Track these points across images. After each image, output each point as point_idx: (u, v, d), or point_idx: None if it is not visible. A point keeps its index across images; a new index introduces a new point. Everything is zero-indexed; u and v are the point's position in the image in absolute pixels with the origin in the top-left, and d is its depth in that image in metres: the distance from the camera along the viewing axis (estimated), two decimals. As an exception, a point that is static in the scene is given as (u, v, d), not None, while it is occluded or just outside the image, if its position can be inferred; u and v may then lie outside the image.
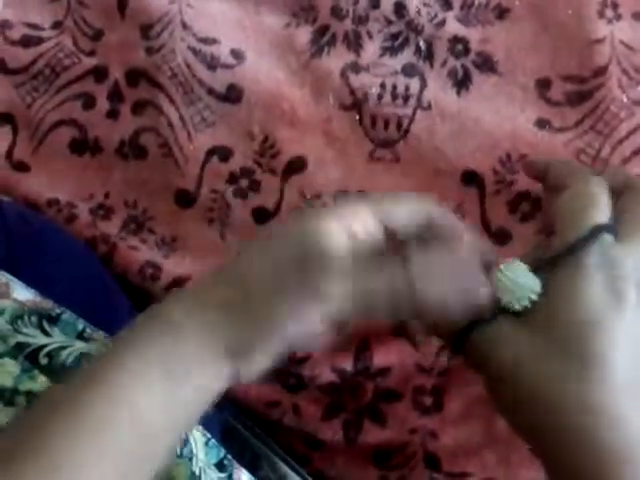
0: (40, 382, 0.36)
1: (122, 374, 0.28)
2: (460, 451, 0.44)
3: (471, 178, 0.45)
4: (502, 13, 0.47)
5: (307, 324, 0.28)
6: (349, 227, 0.29)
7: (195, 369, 0.28)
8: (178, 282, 0.45)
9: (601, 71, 0.45)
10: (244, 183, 0.46)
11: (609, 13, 0.46)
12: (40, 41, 0.48)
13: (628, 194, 0.32)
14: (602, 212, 0.31)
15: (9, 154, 0.47)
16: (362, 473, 0.45)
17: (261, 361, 0.29)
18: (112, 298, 0.44)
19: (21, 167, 0.47)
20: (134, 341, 0.29)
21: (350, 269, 0.28)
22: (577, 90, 0.45)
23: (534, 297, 0.30)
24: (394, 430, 0.44)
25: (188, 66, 0.47)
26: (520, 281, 0.30)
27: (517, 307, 0.30)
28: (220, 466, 0.38)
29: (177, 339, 0.28)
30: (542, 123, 0.45)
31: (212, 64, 0.47)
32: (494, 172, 0.45)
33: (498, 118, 0.45)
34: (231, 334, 0.28)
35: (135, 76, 0.47)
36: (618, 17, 0.46)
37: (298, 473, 0.44)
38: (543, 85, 0.46)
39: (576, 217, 0.31)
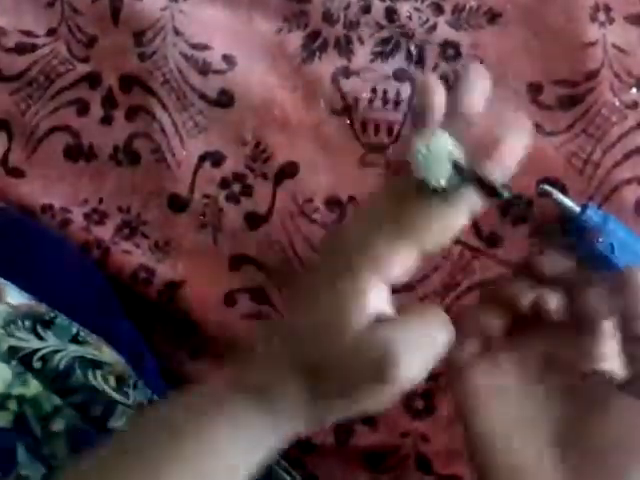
0: (32, 387, 0.37)
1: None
2: (451, 454, 0.43)
3: (462, 182, 0.45)
4: (493, 17, 0.46)
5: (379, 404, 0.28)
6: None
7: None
8: (171, 286, 0.45)
9: (593, 75, 0.44)
10: (236, 188, 0.46)
11: (601, 16, 0.45)
12: (34, 48, 0.48)
13: None
14: None
15: (4, 160, 0.47)
16: (354, 476, 0.45)
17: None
18: (105, 302, 0.44)
19: (16, 173, 0.47)
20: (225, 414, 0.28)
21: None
22: (569, 94, 0.45)
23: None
24: (385, 433, 0.44)
25: (180, 72, 0.46)
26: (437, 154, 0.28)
27: (435, 184, 0.28)
28: None
29: (272, 414, 0.28)
30: (534, 127, 0.45)
31: (204, 69, 0.46)
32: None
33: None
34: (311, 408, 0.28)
35: (128, 82, 0.47)
36: (610, 20, 0.45)
37: (291, 475, 0.44)
38: (534, 89, 0.45)
39: None
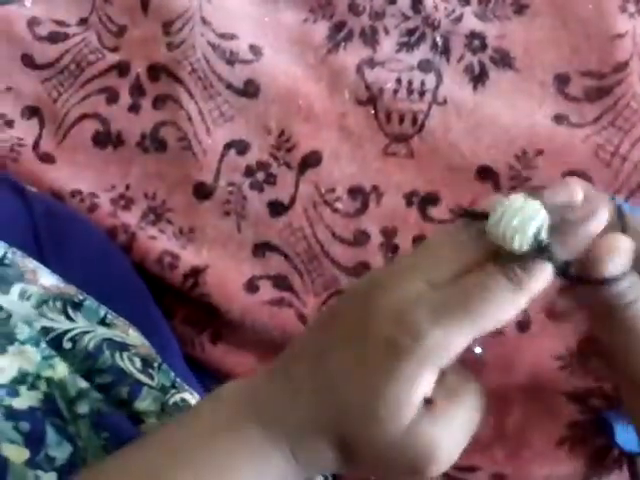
0: (59, 370, 0.37)
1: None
2: (469, 445, 0.43)
3: (486, 174, 0.44)
4: (521, 8, 0.46)
5: None
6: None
7: None
8: (195, 271, 0.45)
9: (621, 67, 0.44)
10: (260, 176, 0.46)
11: (631, 7, 0.44)
12: (66, 37, 0.49)
13: None
14: None
15: (35, 146, 0.48)
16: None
17: None
18: (132, 286, 0.45)
19: (47, 159, 0.48)
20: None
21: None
22: (596, 86, 0.44)
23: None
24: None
25: (207, 61, 0.47)
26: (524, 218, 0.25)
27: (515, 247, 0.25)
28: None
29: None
30: (560, 119, 0.44)
31: (231, 59, 0.47)
32: (510, 168, 0.44)
33: (515, 114, 0.44)
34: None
35: (156, 71, 0.47)
36: (640, 12, 0.45)
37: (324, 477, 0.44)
38: (561, 81, 0.45)
39: None
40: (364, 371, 0.26)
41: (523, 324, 0.41)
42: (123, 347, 0.39)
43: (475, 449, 0.43)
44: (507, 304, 0.26)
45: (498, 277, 0.26)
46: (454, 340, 0.25)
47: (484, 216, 0.26)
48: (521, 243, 0.26)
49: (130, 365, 0.38)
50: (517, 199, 0.26)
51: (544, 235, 0.26)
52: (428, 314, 0.26)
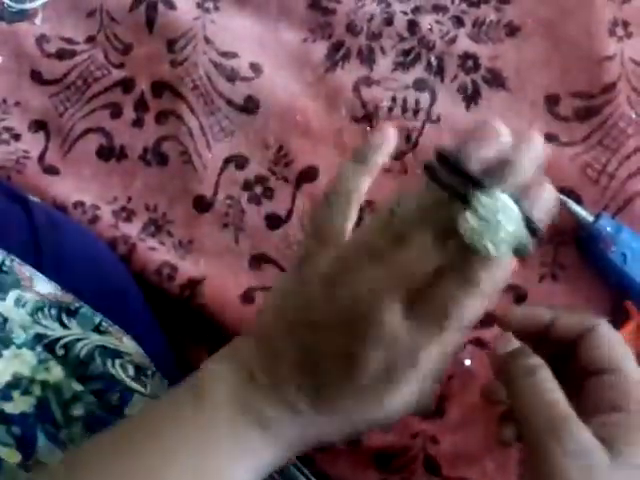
0: (55, 373, 0.37)
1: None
2: (460, 457, 0.43)
3: (477, 190, 0.45)
4: (513, 31, 0.47)
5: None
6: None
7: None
8: (193, 282, 0.46)
9: (610, 88, 0.44)
10: (258, 190, 0.47)
11: (619, 31, 0.45)
12: (74, 54, 0.50)
13: None
14: None
15: (41, 158, 0.49)
16: (363, 475, 0.45)
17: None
18: (130, 296, 0.45)
19: (51, 171, 0.49)
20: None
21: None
22: (586, 106, 0.45)
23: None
24: (396, 434, 0.44)
25: (209, 78, 0.48)
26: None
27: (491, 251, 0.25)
28: None
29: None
30: (550, 137, 0.45)
31: (232, 77, 0.48)
32: (500, 185, 0.44)
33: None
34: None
35: (160, 87, 0.48)
36: (629, 35, 0.45)
37: (302, 473, 0.44)
38: (552, 101, 0.45)
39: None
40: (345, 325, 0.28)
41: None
42: (116, 354, 0.39)
43: (465, 462, 0.43)
44: (479, 309, 0.27)
45: (468, 289, 0.27)
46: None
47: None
48: (504, 251, 0.26)
49: (122, 372, 0.38)
50: (490, 203, 0.25)
51: (524, 233, 0.25)
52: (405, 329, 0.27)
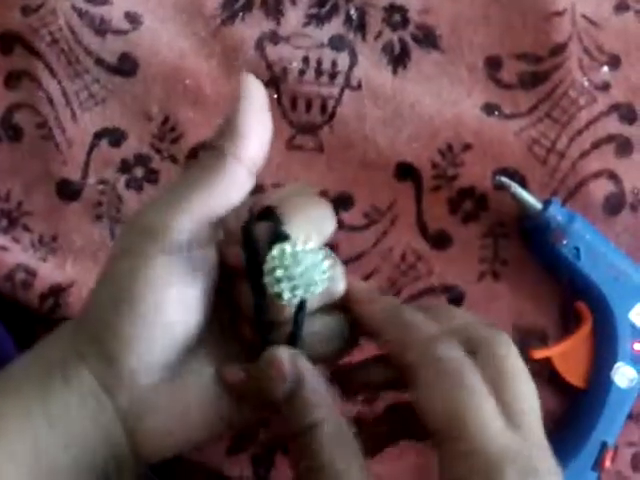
0: None
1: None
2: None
3: (406, 172, 0.37)
4: (447, -21, 0.39)
5: None
6: None
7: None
8: (56, 290, 0.36)
9: (559, 49, 0.37)
10: (139, 172, 0.37)
11: (570, -18, 0.38)
12: None
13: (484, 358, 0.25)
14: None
15: None
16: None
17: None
18: None
19: None
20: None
21: None
22: (531, 71, 0.37)
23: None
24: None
25: (72, 30, 0.37)
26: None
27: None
28: None
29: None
30: (490, 108, 0.37)
31: (101, 29, 0.37)
32: (433, 165, 0.37)
33: (439, 102, 0.37)
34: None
35: (9, 41, 0.37)
36: (580, -13, 0.38)
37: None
38: (493, 64, 0.38)
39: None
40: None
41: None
42: None
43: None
44: None
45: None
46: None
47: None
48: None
49: None
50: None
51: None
52: None
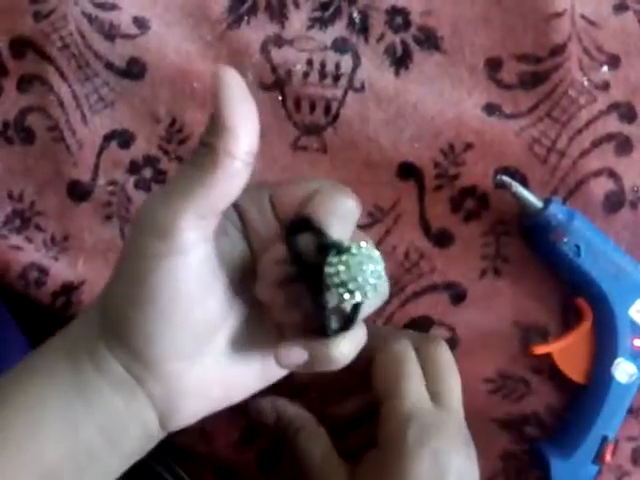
0: None
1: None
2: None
3: (409, 171, 0.37)
4: (449, -19, 0.39)
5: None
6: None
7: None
8: (68, 288, 0.37)
9: (559, 49, 0.38)
10: (147, 173, 0.38)
11: (569, -17, 0.39)
12: None
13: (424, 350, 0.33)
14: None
15: None
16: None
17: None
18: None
19: None
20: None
21: None
22: (531, 71, 0.38)
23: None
24: None
25: (82, 35, 0.38)
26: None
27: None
28: None
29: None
30: (491, 108, 0.38)
31: (110, 34, 0.38)
32: (435, 165, 0.37)
33: (441, 102, 0.38)
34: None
35: (21, 46, 0.38)
36: (580, -12, 0.39)
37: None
38: (493, 65, 0.38)
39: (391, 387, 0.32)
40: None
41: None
42: None
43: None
44: None
45: None
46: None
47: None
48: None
49: None
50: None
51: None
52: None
